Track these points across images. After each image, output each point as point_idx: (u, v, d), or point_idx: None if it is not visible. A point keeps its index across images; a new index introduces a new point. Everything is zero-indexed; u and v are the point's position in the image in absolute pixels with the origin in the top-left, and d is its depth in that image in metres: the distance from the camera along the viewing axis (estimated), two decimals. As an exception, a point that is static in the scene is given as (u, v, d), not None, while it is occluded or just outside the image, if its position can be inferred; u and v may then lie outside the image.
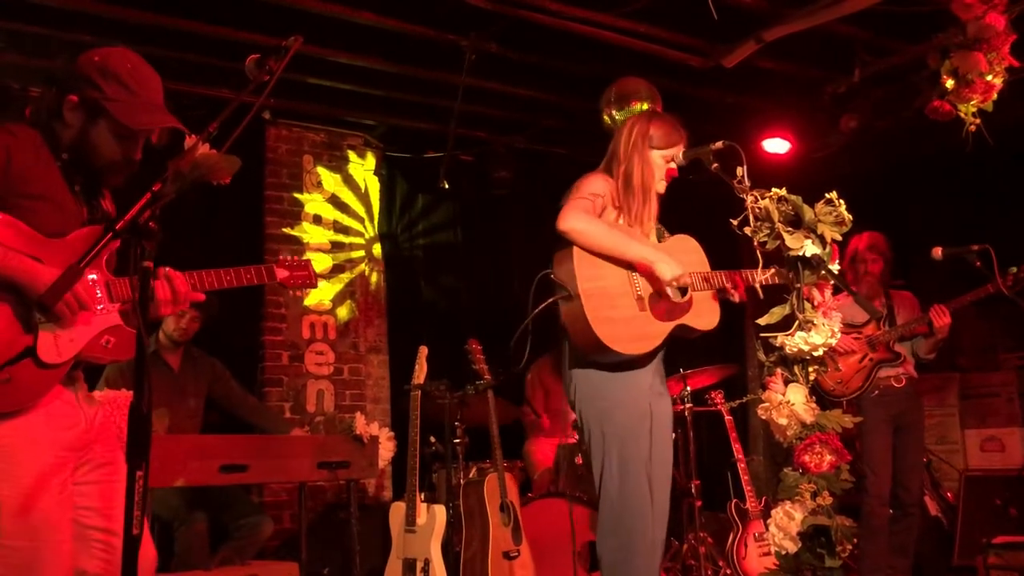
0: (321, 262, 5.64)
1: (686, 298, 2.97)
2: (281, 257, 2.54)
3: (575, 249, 2.86)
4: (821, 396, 4.47)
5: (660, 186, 3.06)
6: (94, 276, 2.14)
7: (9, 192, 2.04)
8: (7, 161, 2.04)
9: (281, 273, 2.47)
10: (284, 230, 5.64)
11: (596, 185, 2.97)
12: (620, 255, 2.87)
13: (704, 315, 3.00)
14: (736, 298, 3.04)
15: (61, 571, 2.05)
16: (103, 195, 2.26)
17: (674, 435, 5.10)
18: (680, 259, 2.93)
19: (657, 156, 3.02)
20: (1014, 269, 4.19)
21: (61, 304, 2.02)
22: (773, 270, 2.86)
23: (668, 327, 2.92)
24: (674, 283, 2.87)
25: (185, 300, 2.23)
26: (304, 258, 2.59)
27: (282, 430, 4.48)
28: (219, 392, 4.54)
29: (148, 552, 2.22)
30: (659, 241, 3.09)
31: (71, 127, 2.15)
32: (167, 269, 2.21)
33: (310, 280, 2.55)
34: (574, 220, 2.86)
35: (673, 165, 3.04)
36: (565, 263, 2.87)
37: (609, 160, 3.08)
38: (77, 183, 2.18)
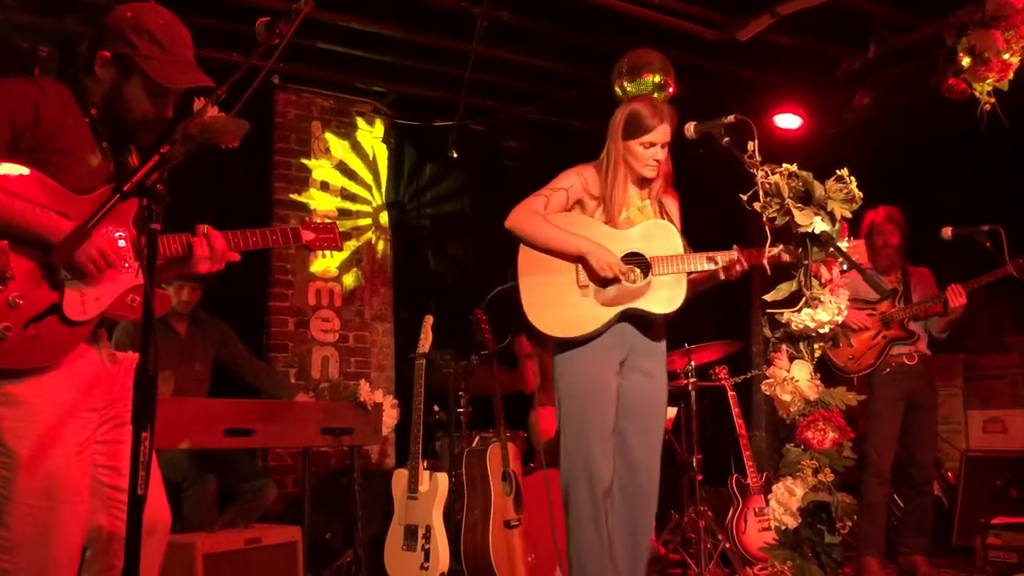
0: (328, 229, 5.64)
1: (644, 282, 3.01)
2: (307, 220, 2.54)
3: (520, 243, 3.07)
4: (832, 372, 4.47)
5: (646, 171, 3.09)
6: (121, 234, 2.13)
7: (37, 147, 2.03)
8: (35, 115, 2.03)
9: (307, 235, 2.48)
10: (292, 196, 5.63)
11: (562, 179, 3.12)
12: (554, 248, 3.03)
13: (663, 299, 3.03)
14: (724, 274, 3.02)
15: (77, 530, 2.07)
16: (131, 152, 2.25)
17: (677, 409, 5.18)
18: (647, 244, 3.03)
19: (635, 144, 3.06)
20: None
21: (88, 262, 2.03)
22: (775, 249, 2.83)
23: (612, 311, 3.01)
24: (605, 272, 2.95)
25: (222, 258, 2.24)
26: (330, 219, 2.57)
27: (287, 395, 4.50)
28: (226, 355, 4.56)
29: (163, 514, 2.25)
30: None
31: (102, 83, 2.13)
32: (206, 227, 2.22)
33: (335, 243, 2.55)
34: (515, 218, 3.05)
35: (656, 150, 3.06)
36: (516, 255, 3.08)
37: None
38: (105, 139, 2.17)
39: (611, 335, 3.02)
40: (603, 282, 3.00)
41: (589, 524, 2.94)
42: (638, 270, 3.03)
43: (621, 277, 2.98)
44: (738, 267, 3.00)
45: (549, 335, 3.02)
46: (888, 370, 4.53)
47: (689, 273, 3.04)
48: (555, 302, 3.02)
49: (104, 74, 2.13)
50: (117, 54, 2.11)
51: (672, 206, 3.22)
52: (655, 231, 3.11)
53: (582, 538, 2.95)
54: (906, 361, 4.56)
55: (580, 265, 3.03)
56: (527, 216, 3.04)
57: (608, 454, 2.99)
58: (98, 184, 2.11)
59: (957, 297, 4.38)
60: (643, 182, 3.14)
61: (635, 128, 3.05)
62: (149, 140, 2.22)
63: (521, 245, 3.07)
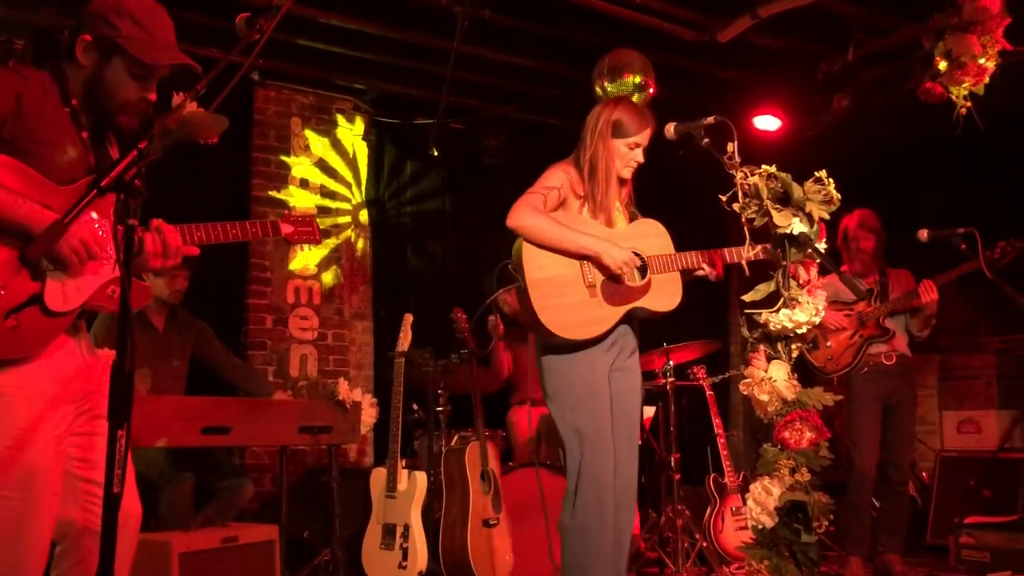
0: (307, 226, 5.61)
1: (644, 281, 3.04)
2: (285, 212, 2.52)
3: (524, 243, 2.98)
4: (811, 372, 4.51)
5: (625, 172, 3.12)
6: (103, 225, 2.12)
7: (18, 136, 2.02)
8: (17, 104, 2.02)
9: (286, 228, 2.47)
10: (270, 193, 5.60)
11: (552, 178, 3.07)
12: (564, 248, 2.98)
13: (663, 297, 3.08)
14: (712, 276, 3.11)
15: (49, 523, 2.06)
16: (111, 143, 2.24)
17: (655, 408, 5.20)
18: (641, 243, 3.05)
19: (620, 144, 3.08)
20: (1002, 243, 4.22)
21: (71, 253, 2.01)
22: (756, 248, 2.86)
23: (620, 311, 3.02)
24: (620, 269, 2.95)
25: (176, 254, 2.19)
26: (309, 213, 2.57)
27: (265, 392, 4.47)
28: (203, 353, 4.52)
29: (134, 508, 2.22)
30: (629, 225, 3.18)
31: (84, 68, 2.12)
32: (158, 221, 2.18)
33: (314, 236, 2.54)
34: (519, 217, 2.96)
35: (638, 152, 3.10)
36: (518, 256, 3.00)
37: (577, 148, 3.14)
38: (85, 130, 2.15)
39: (612, 337, 3.04)
40: (614, 279, 2.99)
41: (595, 526, 2.95)
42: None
43: (630, 275, 2.99)
44: (718, 268, 3.07)
45: (566, 338, 2.96)
46: (866, 369, 4.57)
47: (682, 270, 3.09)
48: (566, 303, 2.97)
49: (86, 58, 2.12)
50: (98, 37, 2.10)
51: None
52: (646, 229, 3.15)
53: (588, 540, 2.95)
54: (884, 361, 4.60)
55: (585, 264, 3.01)
56: (532, 215, 2.97)
57: (610, 454, 2.99)
58: (79, 175, 2.10)
59: (928, 292, 4.44)
60: (618, 182, 3.16)
61: (623, 129, 3.07)
62: (131, 126, 2.20)
63: (524, 245, 2.99)
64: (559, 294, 2.97)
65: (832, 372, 4.58)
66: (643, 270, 3.05)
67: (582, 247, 2.97)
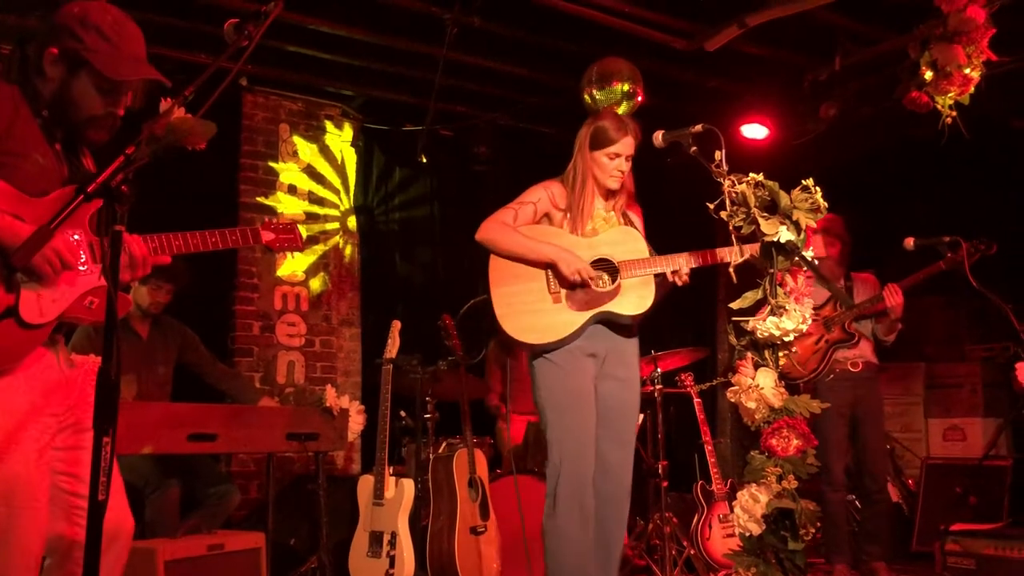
0: (295, 233, 5.60)
1: (614, 286, 3.11)
2: (266, 219, 2.50)
3: (491, 255, 3.13)
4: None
5: (610, 182, 3.20)
6: (77, 236, 2.09)
7: None
8: None
9: (267, 236, 2.46)
10: (258, 199, 5.58)
11: (530, 194, 3.21)
12: (525, 257, 3.11)
13: (632, 301, 3.14)
14: (679, 281, 3.12)
15: (36, 538, 2.03)
16: (84, 154, 2.21)
17: (643, 415, 5.21)
18: (611, 250, 3.14)
19: (601, 156, 3.17)
20: (966, 244, 4.24)
21: (43, 263, 1.98)
22: (747, 251, 2.86)
23: (585, 316, 3.09)
24: (575, 276, 3.04)
25: (144, 264, 2.16)
26: (291, 220, 2.55)
27: (252, 398, 4.45)
28: (189, 359, 4.50)
29: (126, 522, 2.20)
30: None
31: (52, 81, 2.09)
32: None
33: (296, 243, 2.55)
34: (485, 231, 3.14)
35: (620, 161, 3.17)
36: (487, 267, 3.14)
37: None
38: (58, 141, 2.13)
39: (587, 340, 3.09)
40: (573, 287, 3.07)
41: (576, 527, 3.00)
42: (606, 275, 3.12)
43: (590, 282, 3.06)
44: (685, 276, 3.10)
45: (525, 343, 3.07)
46: (832, 377, 4.55)
47: (656, 275, 3.12)
48: (528, 310, 3.08)
49: (53, 71, 2.08)
50: (64, 49, 2.07)
51: (636, 219, 3.32)
52: (621, 237, 3.21)
53: (568, 541, 2.99)
54: (850, 368, 4.59)
55: (550, 272, 3.10)
56: (496, 228, 3.11)
57: (591, 459, 3.05)
58: (52, 186, 2.07)
59: (893, 296, 4.43)
60: (608, 194, 3.24)
61: (601, 140, 3.16)
62: (100, 139, 2.18)
63: (491, 256, 3.11)
64: (523, 302, 3.08)
65: (798, 378, 4.56)
66: (614, 275, 3.12)
67: (542, 255, 3.08)
